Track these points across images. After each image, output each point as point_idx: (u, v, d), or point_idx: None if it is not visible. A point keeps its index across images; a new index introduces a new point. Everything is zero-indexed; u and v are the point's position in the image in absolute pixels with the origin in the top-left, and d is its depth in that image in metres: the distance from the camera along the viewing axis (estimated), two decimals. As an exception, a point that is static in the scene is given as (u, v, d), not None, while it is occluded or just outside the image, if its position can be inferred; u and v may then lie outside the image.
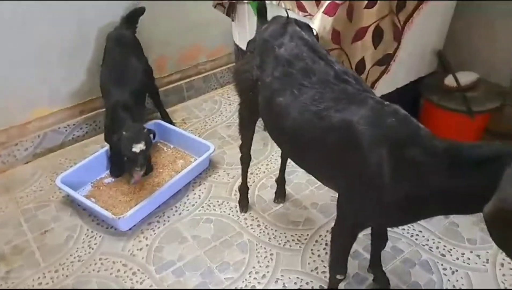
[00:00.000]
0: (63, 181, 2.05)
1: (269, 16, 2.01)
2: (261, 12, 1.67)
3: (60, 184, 2.03)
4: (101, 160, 2.23)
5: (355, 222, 1.35)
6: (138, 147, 1.90)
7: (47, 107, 2.37)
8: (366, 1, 1.61)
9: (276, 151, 2.36)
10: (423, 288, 1.69)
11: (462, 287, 1.68)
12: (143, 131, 1.98)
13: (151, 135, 2.02)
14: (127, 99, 2.12)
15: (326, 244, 1.86)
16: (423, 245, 1.85)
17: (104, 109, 2.28)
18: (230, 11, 2.20)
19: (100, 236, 1.94)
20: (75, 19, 2.28)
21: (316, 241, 1.88)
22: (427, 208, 1.17)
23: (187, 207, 2.07)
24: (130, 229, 1.96)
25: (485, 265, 1.76)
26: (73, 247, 1.89)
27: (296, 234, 1.91)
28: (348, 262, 1.49)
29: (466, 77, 2.01)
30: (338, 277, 1.50)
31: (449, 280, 1.71)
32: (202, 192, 2.15)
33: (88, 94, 2.47)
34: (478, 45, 2.12)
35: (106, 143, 2.23)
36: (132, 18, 2.37)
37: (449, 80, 2.01)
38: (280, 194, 2.08)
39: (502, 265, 1.75)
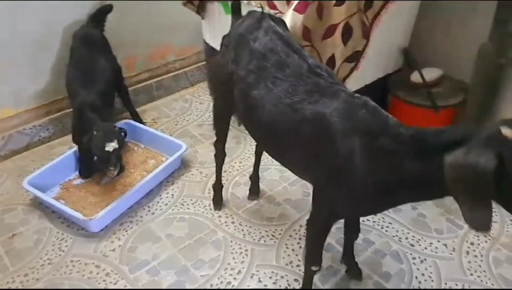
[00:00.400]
0: (30, 183, 1.99)
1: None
2: (235, 9, 1.69)
3: (27, 186, 1.97)
4: (70, 161, 2.17)
5: (330, 212, 1.37)
6: (111, 146, 1.87)
7: (12, 107, 2.30)
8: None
9: (249, 149, 2.38)
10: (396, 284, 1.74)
11: (431, 275, 1.74)
12: (115, 130, 1.95)
13: (123, 134, 2.00)
14: (94, 99, 2.08)
15: (300, 239, 1.88)
16: (393, 236, 1.91)
17: (71, 110, 2.23)
18: (200, 10, 2.19)
19: (70, 238, 1.90)
20: (39, 17, 2.21)
21: (290, 235, 1.90)
22: (399, 195, 1.21)
23: (160, 206, 2.05)
24: (101, 230, 1.93)
25: (452, 254, 1.83)
26: (43, 250, 1.84)
27: (270, 230, 1.93)
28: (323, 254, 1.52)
29: (430, 74, 2.09)
30: (313, 268, 1.52)
31: (418, 269, 1.77)
32: (175, 191, 2.14)
33: (54, 94, 2.41)
34: (441, 43, 2.21)
35: (74, 144, 2.17)
36: (99, 16, 2.33)
37: (415, 77, 2.08)
38: (254, 191, 2.09)
39: (467, 253, 1.83)
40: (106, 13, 2.35)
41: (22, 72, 2.27)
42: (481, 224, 0.98)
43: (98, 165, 2.11)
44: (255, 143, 2.02)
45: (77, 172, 2.18)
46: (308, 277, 1.59)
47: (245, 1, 1.91)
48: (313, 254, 1.51)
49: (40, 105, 2.39)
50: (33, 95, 2.35)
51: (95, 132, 1.91)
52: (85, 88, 2.10)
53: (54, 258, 1.81)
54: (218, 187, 2.02)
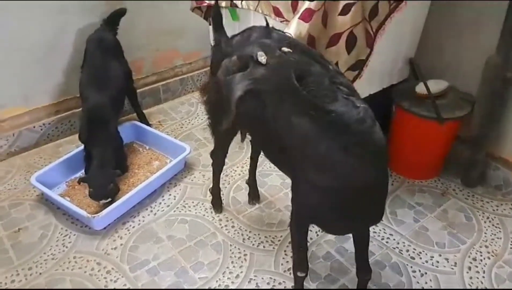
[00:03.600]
0: (38, 180, 2.03)
1: (246, 21, 2.07)
2: (217, 23, 1.66)
3: (35, 182, 2.01)
4: (76, 159, 2.20)
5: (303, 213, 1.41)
6: (103, 202, 1.97)
7: (23, 105, 2.35)
8: (341, 8, 1.66)
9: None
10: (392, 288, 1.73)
11: (431, 289, 1.73)
12: (108, 186, 1.98)
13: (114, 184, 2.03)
14: (106, 102, 2.12)
15: (299, 246, 1.89)
16: (394, 248, 1.90)
17: (79, 109, 2.28)
18: (208, 15, 2.22)
19: (74, 235, 1.93)
20: (53, 20, 2.27)
21: (289, 242, 1.90)
22: None
23: (162, 207, 2.08)
24: (104, 228, 1.96)
25: (453, 268, 1.81)
26: (47, 245, 1.88)
27: (270, 236, 1.94)
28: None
29: (437, 85, 2.07)
30: (299, 274, 1.53)
31: (418, 282, 1.75)
32: (178, 193, 2.16)
33: (64, 93, 2.45)
34: (449, 54, 2.19)
35: (81, 143, 2.21)
36: (113, 19, 2.36)
37: (420, 88, 2.07)
38: (254, 196, 2.10)
39: (469, 268, 1.81)
40: (120, 17, 2.38)
41: (34, 72, 2.32)
42: None
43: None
44: (246, 147, 2.02)
45: (83, 170, 2.22)
46: (296, 283, 1.60)
47: (252, 7, 1.93)
48: (298, 259, 1.52)
49: (50, 104, 2.43)
50: (44, 94, 2.40)
51: (90, 189, 1.97)
52: (96, 91, 2.14)
53: (58, 253, 1.84)
54: (215, 191, 2.04)
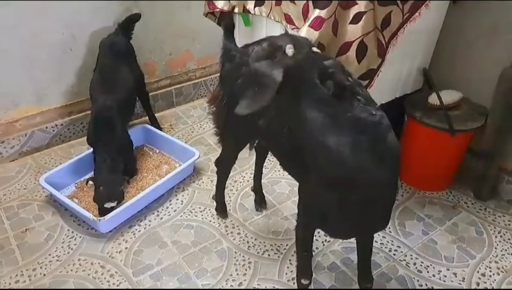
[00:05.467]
0: (47, 181, 2.05)
1: (259, 27, 2.06)
2: (229, 27, 1.67)
3: (43, 183, 2.04)
4: (86, 161, 2.22)
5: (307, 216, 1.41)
6: (110, 205, 1.97)
7: (36, 106, 2.38)
8: (351, 17, 1.64)
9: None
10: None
11: (436, 304, 1.70)
12: (117, 188, 2.02)
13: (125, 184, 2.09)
14: (113, 105, 2.14)
15: (304, 255, 1.87)
16: (401, 261, 1.86)
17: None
18: (221, 20, 2.22)
19: (80, 237, 1.94)
20: (67, 23, 2.30)
21: (295, 251, 1.88)
22: None
23: (169, 212, 2.08)
24: (110, 231, 1.97)
25: (460, 284, 1.77)
26: (53, 246, 1.89)
27: (275, 244, 1.92)
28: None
29: (450, 96, 2.04)
30: (303, 281, 1.53)
31: (423, 296, 1.72)
32: (185, 198, 2.16)
33: (77, 95, 2.48)
34: (463, 65, 2.15)
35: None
36: (128, 25, 2.38)
37: (433, 98, 2.03)
38: (261, 202, 2.09)
39: (477, 284, 1.77)
40: (134, 22, 2.40)
41: (48, 73, 2.35)
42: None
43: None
44: (255, 154, 2.02)
45: (92, 173, 2.22)
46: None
47: (264, 14, 1.92)
48: (303, 265, 1.52)
49: (63, 105, 2.47)
50: (57, 95, 2.43)
51: (100, 187, 1.99)
52: (105, 94, 2.16)
53: (63, 255, 1.86)
54: (220, 198, 2.04)
